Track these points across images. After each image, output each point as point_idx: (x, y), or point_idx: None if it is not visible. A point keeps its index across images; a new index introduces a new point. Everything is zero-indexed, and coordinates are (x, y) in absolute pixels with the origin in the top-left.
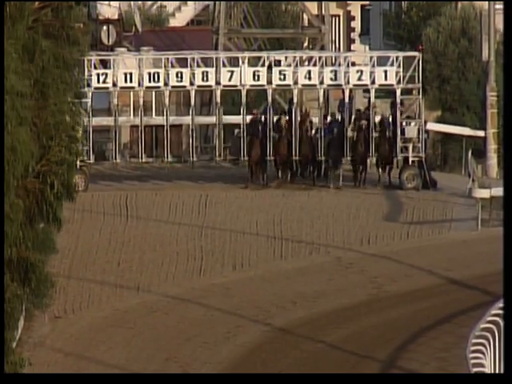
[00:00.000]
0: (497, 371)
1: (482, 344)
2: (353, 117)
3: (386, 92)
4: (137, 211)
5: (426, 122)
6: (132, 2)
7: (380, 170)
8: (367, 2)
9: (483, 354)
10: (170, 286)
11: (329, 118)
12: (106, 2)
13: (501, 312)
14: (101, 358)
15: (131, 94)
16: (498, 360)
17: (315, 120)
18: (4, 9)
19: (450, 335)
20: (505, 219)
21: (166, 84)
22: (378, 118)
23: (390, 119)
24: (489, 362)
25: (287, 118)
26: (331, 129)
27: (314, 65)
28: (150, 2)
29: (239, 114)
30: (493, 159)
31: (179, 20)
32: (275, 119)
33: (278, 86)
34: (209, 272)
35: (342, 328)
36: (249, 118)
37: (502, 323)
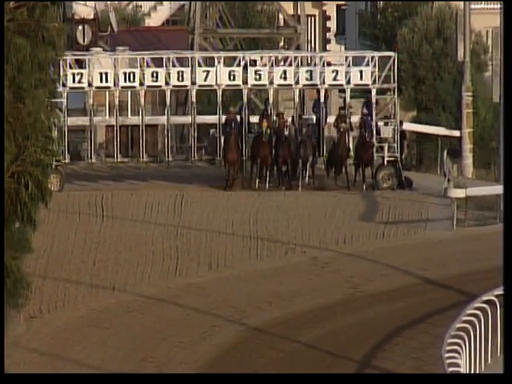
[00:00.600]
0: (472, 371)
1: (458, 344)
2: (333, 117)
3: (362, 92)
4: (112, 211)
5: (401, 122)
6: (108, 2)
7: (359, 171)
8: (343, 2)
9: (459, 353)
10: (145, 285)
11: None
12: (82, 2)
13: (476, 312)
14: (76, 357)
15: (107, 93)
16: (474, 360)
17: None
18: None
19: (426, 335)
20: (505, 217)
21: (141, 84)
22: (355, 118)
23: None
24: (464, 362)
25: (266, 122)
26: (300, 129)
27: (290, 65)
28: (125, 2)
29: (215, 113)
30: (468, 159)
31: (155, 20)
32: (253, 119)
33: (253, 85)
34: (184, 272)
35: (318, 327)
36: (224, 117)
37: (477, 323)
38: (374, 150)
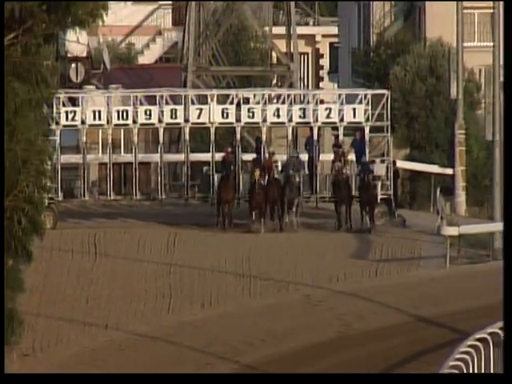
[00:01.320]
0: None
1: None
2: (326, 155)
3: (355, 129)
4: (105, 249)
5: (394, 162)
6: (101, 40)
7: (363, 213)
8: (336, 40)
9: None
10: (138, 323)
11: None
12: (75, 40)
13: (470, 350)
14: None
15: (100, 131)
16: None
17: (280, 158)
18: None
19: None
20: (504, 237)
21: (134, 121)
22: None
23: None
24: None
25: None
26: (287, 168)
27: (283, 102)
28: (118, 40)
29: (208, 151)
30: (461, 197)
31: (148, 57)
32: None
33: (246, 123)
34: (177, 310)
35: (311, 365)
36: (221, 155)
37: (470, 361)
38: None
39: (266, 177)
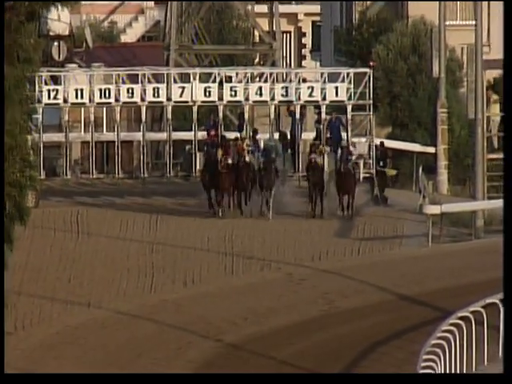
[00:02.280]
0: None
1: (433, 360)
2: (309, 134)
3: (337, 108)
4: (88, 227)
5: (382, 143)
6: (84, 19)
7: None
8: (318, 19)
9: (434, 370)
10: (120, 302)
11: (261, 139)
12: (57, 18)
13: (452, 328)
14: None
15: (82, 110)
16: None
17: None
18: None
19: (401, 351)
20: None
21: (116, 100)
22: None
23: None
24: None
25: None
26: (266, 151)
27: (265, 81)
28: (101, 18)
29: (190, 129)
30: (443, 175)
31: (130, 36)
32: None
33: (229, 102)
34: (160, 288)
35: (294, 344)
36: (203, 134)
37: (452, 339)
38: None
39: (232, 160)
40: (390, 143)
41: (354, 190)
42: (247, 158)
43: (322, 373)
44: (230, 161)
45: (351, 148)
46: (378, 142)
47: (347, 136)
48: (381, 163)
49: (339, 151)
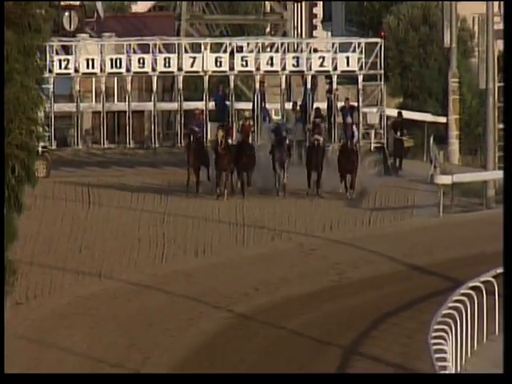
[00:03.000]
0: (458, 357)
1: (444, 330)
2: (319, 104)
3: (349, 78)
4: (99, 198)
5: (400, 114)
6: None
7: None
8: None
9: (445, 340)
10: (132, 272)
11: (270, 119)
12: None
13: (463, 298)
14: (62, 344)
15: (93, 79)
16: (460, 346)
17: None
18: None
19: (412, 321)
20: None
21: (127, 70)
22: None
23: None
24: (450, 348)
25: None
26: (277, 129)
27: (276, 51)
28: None
29: (201, 99)
30: (454, 145)
31: (141, 6)
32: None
33: (240, 72)
34: (171, 259)
35: (305, 314)
36: (213, 105)
37: (463, 309)
38: (360, 136)
39: (234, 140)
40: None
41: (357, 169)
42: (249, 139)
43: (322, 373)
44: (230, 141)
45: (354, 127)
46: (395, 112)
47: (351, 116)
48: (398, 133)
49: (342, 130)
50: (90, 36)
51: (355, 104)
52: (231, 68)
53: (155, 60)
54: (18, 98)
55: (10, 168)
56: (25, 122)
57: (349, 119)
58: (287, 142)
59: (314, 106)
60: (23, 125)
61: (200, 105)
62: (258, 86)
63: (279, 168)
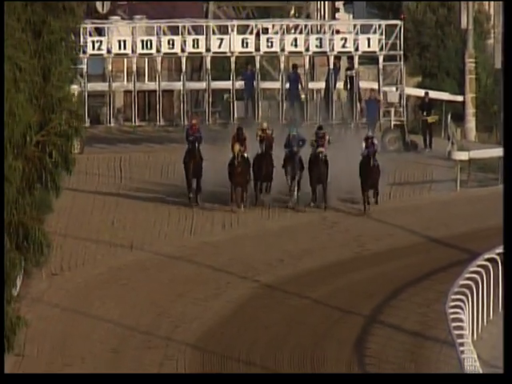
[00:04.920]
0: (474, 326)
1: (461, 300)
2: (341, 83)
3: (369, 59)
4: (130, 173)
5: (427, 93)
6: None
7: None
8: None
9: (462, 309)
10: (162, 244)
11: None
12: None
13: (479, 269)
14: (95, 312)
15: (125, 60)
16: (476, 315)
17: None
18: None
19: (430, 291)
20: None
21: (158, 51)
22: (364, 84)
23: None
24: (467, 317)
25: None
26: (289, 140)
27: (300, 32)
28: None
29: (228, 79)
30: (471, 123)
31: None
32: (264, 85)
33: (265, 52)
34: (199, 231)
35: (327, 284)
36: (240, 84)
37: (479, 280)
38: (381, 114)
39: (259, 150)
40: (420, 92)
41: (378, 183)
42: (272, 149)
43: (322, 373)
44: (246, 154)
45: (375, 140)
46: (422, 92)
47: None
48: (425, 113)
49: (363, 144)
50: (122, 18)
51: (380, 98)
52: (257, 49)
53: (184, 41)
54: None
55: (47, 153)
56: (65, 114)
57: (370, 133)
58: (299, 155)
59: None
60: (63, 115)
61: (227, 84)
62: (291, 68)
63: (291, 182)
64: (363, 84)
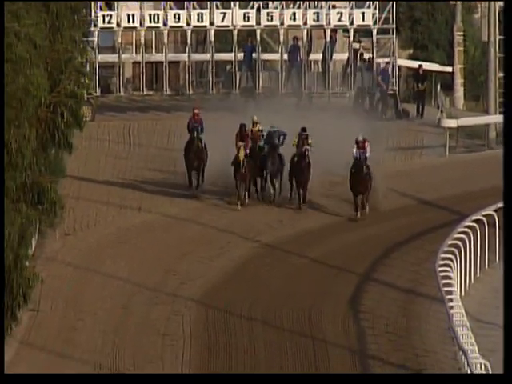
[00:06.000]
0: (462, 283)
1: (450, 259)
2: (342, 55)
3: (364, 32)
4: (139, 139)
5: (420, 66)
6: None
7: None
8: None
9: (450, 267)
10: (169, 206)
11: (264, 128)
12: None
13: (467, 230)
14: (106, 270)
15: (133, 33)
16: (464, 273)
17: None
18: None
19: (421, 250)
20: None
21: (164, 24)
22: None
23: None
24: (455, 275)
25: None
26: (269, 137)
27: (299, 7)
28: None
29: (231, 51)
30: (459, 92)
31: None
32: (265, 56)
33: (265, 26)
34: (204, 193)
35: (324, 244)
36: (241, 56)
37: (467, 240)
38: (375, 83)
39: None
40: (412, 63)
41: (370, 190)
42: (261, 143)
43: (322, 373)
44: (247, 151)
45: (367, 144)
46: (414, 64)
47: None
48: (419, 85)
49: (354, 149)
50: None
51: (383, 85)
52: (258, 23)
53: (189, 15)
54: (68, 51)
55: (59, 114)
56: (74, 74)
57: (360, 137)
58: (280, 150)
59: (334, 57)
60: (72, 76)
61: (230, 56)
62: (292, 40)
63: (272, 179)
64: (367, 55)
